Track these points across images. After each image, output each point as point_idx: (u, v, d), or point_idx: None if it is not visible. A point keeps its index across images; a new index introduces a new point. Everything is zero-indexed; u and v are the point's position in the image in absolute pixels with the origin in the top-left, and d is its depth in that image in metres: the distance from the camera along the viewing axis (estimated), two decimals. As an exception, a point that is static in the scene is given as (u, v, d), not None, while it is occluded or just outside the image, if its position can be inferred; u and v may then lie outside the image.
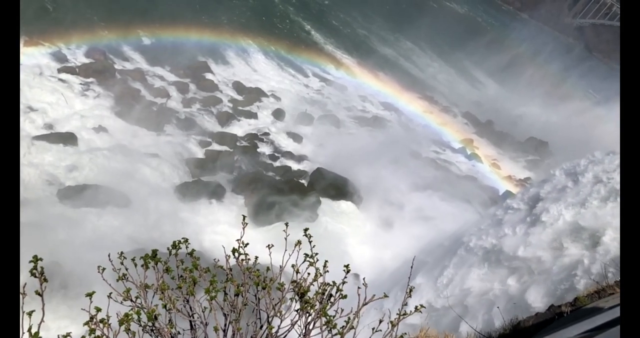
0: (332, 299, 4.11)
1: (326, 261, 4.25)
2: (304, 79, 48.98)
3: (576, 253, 12.37)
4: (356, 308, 4.05)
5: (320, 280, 4.14)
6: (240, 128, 35.86)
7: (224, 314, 4.12)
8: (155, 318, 3.82)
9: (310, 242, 4.34)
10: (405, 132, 43.57)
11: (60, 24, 37.45)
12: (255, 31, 51.96)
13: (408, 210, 29.83)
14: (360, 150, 34.26)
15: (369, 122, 43.12)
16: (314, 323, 3.99)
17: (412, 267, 5.61)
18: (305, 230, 4.47)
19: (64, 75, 32.59)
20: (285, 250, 4.32)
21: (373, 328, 4.09)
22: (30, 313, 3.19)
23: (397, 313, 4.03)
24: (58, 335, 3.57)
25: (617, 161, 13.51)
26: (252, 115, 38.01)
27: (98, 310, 3.60)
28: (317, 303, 4.03)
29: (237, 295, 4.13)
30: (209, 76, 40.94)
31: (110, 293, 3.82)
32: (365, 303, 4.11)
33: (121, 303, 3.84)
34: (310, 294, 4.06)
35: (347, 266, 4.26)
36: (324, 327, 3.86)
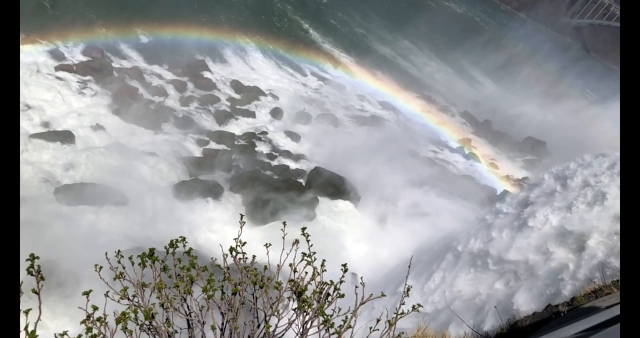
0: (329, 298, 4.10)
1: (324, 260, 4.24)
2: (302, 78, 48.92)
3: (562, 257, 12.41)
4: (353, 307, 4.05)
5: (318, 279, 4.13)
6: (238, 127, 35.80)
7: (222, 313, 4.12)
8: (153, 316, 3.81)
9: (308, 241, 4.33)
10: (403, 131, 43.56)
11: (58, 21, 37.30)
12: (253, 30, 51.89)
13: (405, 209, 29.83)
14: (358, 149, 34.26)
15: (366, 121, 43.12)
16: (312, 322, 3.98)
17: (409, 267, 5.63)
18: (303, 229, 4.47)
19: (61, 73, 32.44)
20: (283, 249, 4.31)
21: (370, 328, 4.09)
22: (27, 312, 3.18)
23: (395, 312, 4.02)
24: (55, 334, 3.56)
25: (607, 163, 13.52)
26: (250, 114, 37.96)
27: (95, 308, 3.60)
28: (315, 302, 4.02)
29: (234, 293, 4.12)
30: (207, 75, 40.82)
31: (108, 292, 3.81)
32: (363, 303, 4.10)
33: (118, 301, 3.83)
34: (308, 293, 4.06)
35: (344, 265, 4.25)
36: (321, 326, 3.85)
